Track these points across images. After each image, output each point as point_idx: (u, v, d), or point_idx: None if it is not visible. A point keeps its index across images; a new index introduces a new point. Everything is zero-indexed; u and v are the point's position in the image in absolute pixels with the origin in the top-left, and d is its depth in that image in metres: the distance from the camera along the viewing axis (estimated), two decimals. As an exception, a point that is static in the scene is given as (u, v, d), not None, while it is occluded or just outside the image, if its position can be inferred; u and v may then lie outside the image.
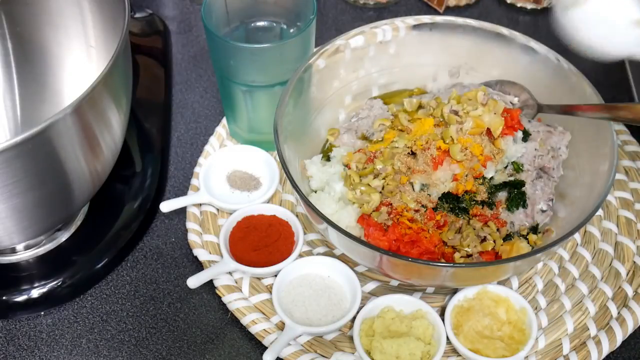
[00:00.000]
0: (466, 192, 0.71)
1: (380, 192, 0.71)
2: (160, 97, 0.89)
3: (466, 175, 0.71)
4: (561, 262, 0.74)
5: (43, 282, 0.71)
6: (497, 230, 0.70)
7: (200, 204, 0.78)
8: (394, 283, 0.72)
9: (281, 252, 0.72)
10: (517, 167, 0.73)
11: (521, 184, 0.73)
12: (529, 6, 1.02)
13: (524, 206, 0.72)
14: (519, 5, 1.03)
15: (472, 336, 0.66)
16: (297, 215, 0.76)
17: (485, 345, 0.65)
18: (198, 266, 0.75)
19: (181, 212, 0.79)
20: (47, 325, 0.71)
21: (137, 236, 0.77)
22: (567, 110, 0.71)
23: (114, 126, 0.67)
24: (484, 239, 0.69)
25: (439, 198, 0.71)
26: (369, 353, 0.65)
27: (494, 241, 0.69)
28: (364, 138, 0.78)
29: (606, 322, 0.70)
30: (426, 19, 0.79)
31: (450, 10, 1.03)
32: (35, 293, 0.71)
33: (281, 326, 0.69)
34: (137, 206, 0.77)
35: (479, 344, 0.66)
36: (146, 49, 0.93)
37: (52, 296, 0.71)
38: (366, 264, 0.69)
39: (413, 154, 0.72)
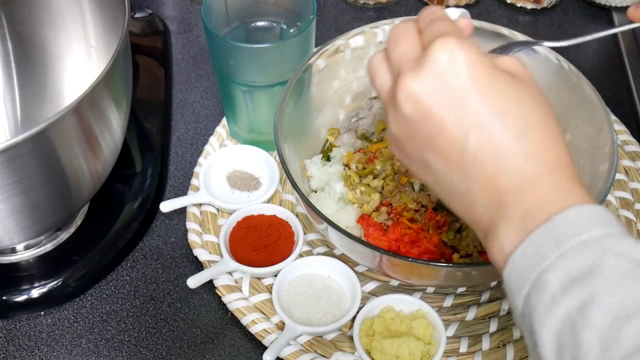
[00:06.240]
0: (466, 192, 0.71)
1: (380, 192, 0.71)
2: (160, 97, 0.89)
3: (466, 175, 0.71)
4: (561, 262, 0.74)
5: (43, 282, 0.71)
6: (497, 230, 0.70)
7: (200, 204, 0.78)
8: (394, 283, 0.72)
9: (281, 252, 0.72)
10: (517, 167, 0.73)
11: (521, 184, 0.73)
12: (529, 6, 1.02)
13: (524, 206, 0.72)
14: (519, 5, 1.03)
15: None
16: (297, 215, 0.76)
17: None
18: (198, 266, 0.75)
19: (181, 212, 0.79)
20: (47, 325, 0.71)
21: (137, 236, 0.77)
22: None
23: (114, 126, 0.67)
24: (484, 239, 0.69)
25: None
26: (369, 353, 0.65)
27: (494, 241, 0.69)
28: (364, 138, 0.78)
29: (606, 322, 0.69)
30: (426, 19, 0.79)
31: (450, 10, 1.02)
32: (35, 293, 0.71)
33: (281, 326, 0.69)
34: (137, 206, 0.77)
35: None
36: (146, 49, 0.93)
37: (52, 296, 0.71)
38: (366, 264, 0.69)
39: (413, 154, 0.72)
